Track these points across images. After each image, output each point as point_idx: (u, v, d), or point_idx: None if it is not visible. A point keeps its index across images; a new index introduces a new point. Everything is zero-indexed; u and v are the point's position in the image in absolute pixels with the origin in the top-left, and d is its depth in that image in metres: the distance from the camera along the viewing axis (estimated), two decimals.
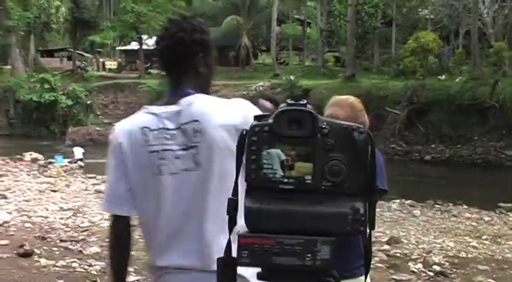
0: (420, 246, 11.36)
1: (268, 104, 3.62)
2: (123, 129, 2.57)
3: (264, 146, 1.17)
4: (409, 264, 9.82)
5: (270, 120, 1.19)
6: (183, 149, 2.47)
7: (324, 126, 1.17)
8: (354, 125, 1.21)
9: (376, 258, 10.05)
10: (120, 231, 2.61)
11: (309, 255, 1.14)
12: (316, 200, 1.16)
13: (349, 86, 31.53)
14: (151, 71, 41.55)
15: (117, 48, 60.28)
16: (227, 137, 2.38)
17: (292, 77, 35.61)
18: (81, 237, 10.95)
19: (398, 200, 17.66)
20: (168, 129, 2.50)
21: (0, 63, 49.99)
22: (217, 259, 1.26)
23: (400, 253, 10.58)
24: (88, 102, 40.67)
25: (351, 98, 3.79)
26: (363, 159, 1.18)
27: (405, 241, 11.72)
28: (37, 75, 41.30)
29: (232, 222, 1.26)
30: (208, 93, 2.65)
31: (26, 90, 39.58)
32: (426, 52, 32.38)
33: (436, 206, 17.20)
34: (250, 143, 1.20)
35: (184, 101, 2.49)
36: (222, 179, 2.36)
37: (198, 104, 2.48)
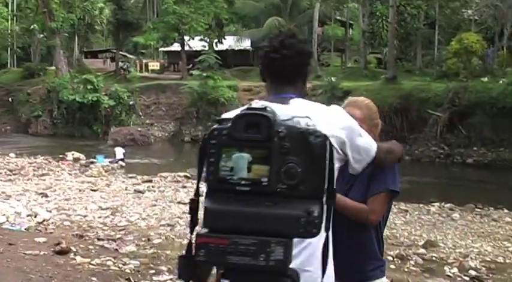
0: (457, 251, 11.25)
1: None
2: (228, 116, 2.68)
3: (222, 149, 1.18)
4: (445, 268, 9.75)
5: (229, 124, 1.20)
6: None
7: (280, 130, 1.17)
8: (311, 129, 1.21)
9: (412, 262, 9.99)
10: None
11: (262, 255, 1.15)
12: (271, 202, 1.17)
13: (390, 88, 31.33)
14: (193, 72, 41.71)
15: (159, 49, 60.73)
16: (333, 143, 2.49)
17: (333, 79, 35.47)
18: (118, 236, 11.11)
19: (437, 203, 17.48)
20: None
21: (45, 64, 50.78)
22: (178, 257, 1.27)
23: (436, 257, 10.50)
24: (130, 102, 41.03)
25: (367, 100, 3.80)
26: (319, 163, 1.18)
27: (442, 245, 11.62)
28: (80, 76, 41.89)
29: (193, 222, 1.28)
30: None
31: (70, 91, 40.12)
32: (469, 54, 32.00)
33: (477, 209, 16.94)
34: (209, 146, 1.21)
35: (294, 101, 2.61)
36: None
37: (307, 104, 2.61)
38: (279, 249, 1.14)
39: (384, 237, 3.86)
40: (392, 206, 12.71)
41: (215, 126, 1.24)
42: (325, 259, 1.29)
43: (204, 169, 1.27)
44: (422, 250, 10.95)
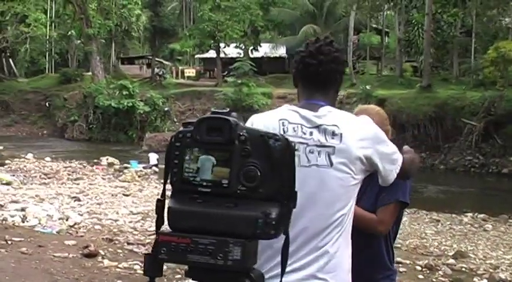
0: (487, 262, 11.10)
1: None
2: (258, 118, 2.77)
3: (186, 151, 1.22)
4: (474, 279, 9.64)
5: (192, 127, 1.23)
6: (318, 146, 2.58)
7: (242, 133, 1.20)
8: (270, 133, 1.23)
9: (440, 272, 9.90)
10: None
11: (220, 255, 1.18)
12: (232, 203, 1.19)
13: (425, 97, 31.09)
14: (228, 79, 41.89)
15: (195, 56, 61.09)
16: (360, 154, 2.60)
17: (367, 87, 35.32)
18: (147, 241, 11.18)
19: (470, 214, 17.27)
20: (306, 126, 2.61)
21: (82, 70, 51.43)
22: (144, 255, 1.31)
23: (465, 268, 10.38)
24: (165, 109, 41.33)
25: (377, 107, 3.82)
26: (279, 166, 1.20)
27: (472, 256, 11.48)
28: (116, 82, 42.33)
29: (159, 221, 1.31)
30: None
31: (105, 96, 40.56)
32: (507, 62, 31.55)
33: (510, 220, 16.70)
34: (174, 149, 1.25)
35: (323, 109, 2.62)
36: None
37: (337, 113, 2.62)
38: (236, 250, 1.17)
39: (393, 246, 3.87)
40: (424, 216, 12.59)
41: (180, 129, 1.28)
42: (284, 261, 1.30)
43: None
44: (451, 260, 10.84)
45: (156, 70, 51.60)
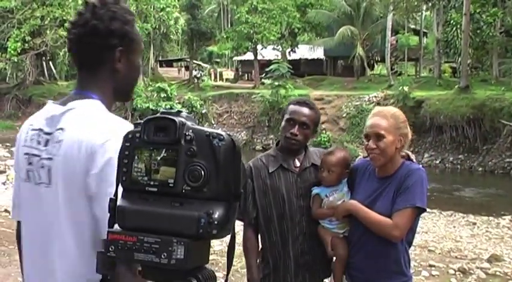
0: None
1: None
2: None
3: (135, 151, 1.23)
4: None
5: (140, 127, 1.25)
6: (48, 159, 2.10)
7: (188, 133, 1.21)
8: (215, 132, 1.24)
9: (474, 276, 9.77)
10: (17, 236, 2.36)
11: (164, 254, 1.19)
12: (178, 202, 1.20)
13: (462, 98, 30.70)
14: (265, 81, 41.94)
15: (233, 58, 61.34)
16: (80, 156, 1.99)
17: (405, 88, 35.03)
18: None
19: (509, 217, 17.00)
20: (45, 132, 2.15)
21: None
22: (97, 252, 1.33)
23: (500, 272, 10.20)
24: (203, 111, 41.53)
25: (394, 109, 3.75)
26: (223, 166, 1.20)
27: (508, 260, 11.28)
28: (154, 85, 42.70)
29: (111, 221, 1.33)
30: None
31: (144, 99, 40.94)
32: None
33: None
34: (123, 148, 1.26)
35: (71, 104, 2.13)
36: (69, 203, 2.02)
37: (75, 111, 2.10)
38: (180, 249, 1.18)
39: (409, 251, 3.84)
40: (461, 219, 12.42)
41: (131, 129, 1.30)
42: (230, 262, 1.30)
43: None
44: (486, 264, 10.68)
45: (194, 73, 51.91)
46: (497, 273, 10.13)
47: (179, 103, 41.14)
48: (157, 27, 49.83)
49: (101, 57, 2.18)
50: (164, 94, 40.90)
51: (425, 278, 9.44)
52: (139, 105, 40.60)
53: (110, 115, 2.13)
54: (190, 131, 1.22)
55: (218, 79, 57.41)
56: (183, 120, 1.23)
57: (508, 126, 28.77)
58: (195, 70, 53.47)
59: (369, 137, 3.61)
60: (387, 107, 3.88)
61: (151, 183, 1.22)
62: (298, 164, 3.99)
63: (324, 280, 4.12)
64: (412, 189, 3.54)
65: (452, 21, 38.50)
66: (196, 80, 49.62)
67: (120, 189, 1.30)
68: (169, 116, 1.23)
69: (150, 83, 44.18)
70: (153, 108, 40.05)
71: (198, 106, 41.17)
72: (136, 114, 41.53)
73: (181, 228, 1.19)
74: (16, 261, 7.91)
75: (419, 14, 46.90)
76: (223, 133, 1.24)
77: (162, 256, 1.19)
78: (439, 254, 11.49)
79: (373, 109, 3.84)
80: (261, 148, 38.09)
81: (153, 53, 55.52)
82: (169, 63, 65.26)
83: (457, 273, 9.91)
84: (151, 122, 1.24)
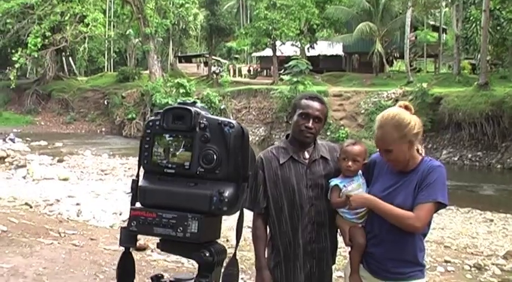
0: None
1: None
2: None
3: (155, 137, 1.34)
4: None
5: (159, 116, 1.36)
6: None
7: (202, 121, 1.32)
8: (226, 120, 1.34)
9: (489, 272, 9.81)
10: None
11: (180, 228, 1.30)
12: (193, 183, 1.31)
13: (481, 95, 30.53)
14: (284, 77, 41.94)
15: (252, 54, 61.38)
16: None
17: (424, 85, 34.92)
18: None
19: None
20: None
21: (140, 68, 52.26)
22: (120, 228, 1.43)
23: None
24: (221, 107, 41.62)
25: (396, 117, 3.72)
26: (233, 151, 1.30)
27: None
28: (173, 80, 42.91)
29: (134, 198, 1.43)
30: None
31: (162, 94, 41.14)
32: None
33: None
34: (145, 135, 1.37)
35: None
36: None
37: None
38: (194, 224, 1.29)
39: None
40: (478, 215, 12.48)
41: (151, 117, 1.40)
42: (239, 234, 1.41)
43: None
44: (501, 260, 10.71)
45: (213, 68, 52.06)
46: None
47: (198, 99, 41.21)
48: (176, 23, 50.06)
49: None
50: (183, 90, 41.06)
51: (440, 274, 9.50)
52: (158, 101, 40.78)
53: None
54: (204, 119, 1.33)
55: (237, 75, 57.51)
56: (198, 109, 1.34)
57: None
58: (214, 66, 53.59)
59: (379, 149, 3.73)
60: (388, 113, 3.85)
61: (170, 165, 1.35)
62: (307, 156, 4.10)
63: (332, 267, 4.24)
64: (434, 185, 3.64)
65: (471, 18, 38.31)
66: (215, 76, 49.74)
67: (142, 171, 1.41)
68: (186, 106, 1.34)
69: (169, 79, 44.40)
70: (172, 103, 40.25)
71: (217, 102, 41.26)
72: (155, 110, 41.72)
73: (195, 205, 1.30)
74: (37, 252, 8.09)
75: (439, 10, 46.68)
76: (233, 121, 1.35)
77: (178, 230, 1.31)
78: (455, 250, 11.53)
79: (378, 116, 3.87)
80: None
81: (172, 49, 55.77)
82: (188, 59, 65.43)
83: (472, 269, 9.96)
84: (170, 112, 1.36)
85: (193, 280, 1.32)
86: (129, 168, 23.49)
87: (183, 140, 1.33)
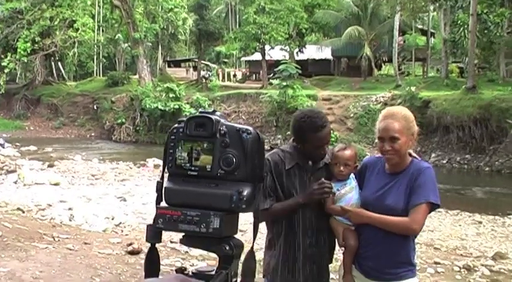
0: None
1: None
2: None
3: (179, 143, 1.48)
4: None
5: (183, 124, 1.50)
6: None
7: (222, 128, 1.46)
8: (244, 127, 1.48)
9: (478, 273, 9.94)
10: None
11: (204, 224, 1.43)
12: (214, 184, 1.45)
13: (469, 98, 30.80)
14: (273, 81, 42.09)
15: (241, 58, 61.49)
16: None
17: (413, 88, 35.16)
18: (185, 250, 11.47)
19: None
20: None
21: (129, 73, 52.25)
22: (147, 225, 1.57)
23: (504, 269, 10.38)
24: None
25: (404, 110, 3.96)
26: (250, 154, 1.45)
27: None
28: (163, 85, 42.92)
29: (159, 199, 1.57)
30: None
31: (152, 99, 41.15)
32: None
33: None
34: (170, 141, 1.52)
35: None
36: None
37: None
38: (216, 220, 1.42)
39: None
40: (467, 218, 12.61)
41: (175, 125, 1.54)
42: (256, 230, 1.54)
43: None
44: (490, 262, 10.85)
45: (202, 73, 52.13)
46: (502, 270, 10.31)
47: (187, 103, 41.35)
48: (165, 27, 50.14)
49: None
50: (173, 94, 41.10)
51: (430, 275, 9.63)
52: (147, 105, 40.81)
53: None
54: (224, 126, 1.47)
55: (226, 79, 57.61)
56: (218, 118, 1.48)
57: None
58: (203, 70, 53.67)
59: (383, 139, 3.84)
60: (396, 107, 4.09)
61: (193, 168, 1.48)
62: (311, 163, 4.22)
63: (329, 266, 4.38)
64: (425, 187, 3.79)
65: (459, 22, 38.62)
66: (204, 80, 49.82)
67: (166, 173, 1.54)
68: (207, 115, 1.48)
69: (159, 83, 44.41)
70: (162, 108, 40.29)
71: (206, 106, 41.29)
72: (145, 115, 41.78)
73: (217, 203, 1.44)
74: (33, 256, 8.16)
75: (427, 14, 46.97)
76: (250, 128, 1.49)
77: (202, 226, 1.44)
78: (445, 251, 11.67)
79: (384, 110, 4.04)
80: (268, 148, 38.03)
81: (161, 53, 55.82)
82: (177, 64, 65.45)
83: (462, 270, 10.09)
84: (193, 120, 1.50)
85: (213, 271, 1.46)
86: (119, 173, 23.53)
87: (204, 145, 1.47)
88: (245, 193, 1.44)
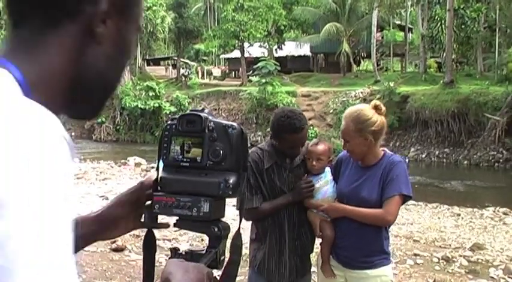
0: (504, 254, 11.27)
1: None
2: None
3: (172, 138, 1.68)
4: (490, 270, 9.82)
5: (175, 121, 1.71)
6: None
7: (210, 124, 1.65)
8: (229, 123, 1.67)
9: (457, 264, 10.12)
10: None
11: (195, 209, 1.62)
12: (204, 173, 1.64)
13: (447, 93, 31.18)
14: (252, 78, 42.28)
15: (221, 56, 61.57)
16: None
17: (391, 84, 35.48)
18: (173, 237, 11.60)
19: (492, 208, 17.38)
20: None
21: None
22: (145, 211, 1.75)
23: (482, 259, 10.57)
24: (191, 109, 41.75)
25: (357, 111, 4.10)
26: (235, 147, 1.64)
27: (489, 248, 11.64)
28: (142, 83, 42.98)
29: (155, 186, 1.74)
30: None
31: (132, 98, 41.22)
32: None
33: None
34: (164, 136, 1.71)
35: None
36: None
37: None
38: (206, 205, 1.62)
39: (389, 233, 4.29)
40: (446, 210, 12.78)
41: (168, 122, 1.74)
42: (241, 213, 1.73)
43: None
44: (468, 252, 11.05)
45: (182, 71, 52.16)
46: (479, 260, 10.49)
47: (167, 101, 41.42)
48: (144, 25, 50.04)
49: (68, 4, 1.11)
50: (152, 93, 41.19)
51: (410, 266, 9.81)
52: (127, 104, 40.82)
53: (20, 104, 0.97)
54: (212, 123, 1.66)
55: (206, 77, 57.69)
56: (206, 115, 1.67)
57: (492, 120, 29.26)
58: (183, 68, 53.71)
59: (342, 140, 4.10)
60: (350, 108, 4.26)
61: (185, 160, 1.67)
62: (289, 161, 4.41)
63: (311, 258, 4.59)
64: (397, 180, 3.99)
65: (436, 17, 39.00)
66: (183, 78, 49.88)
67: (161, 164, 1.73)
68: (197, 113, 1.68)
69: (138, 82, 44.44)
70: (142, 107, 40.33)
71: (186, 104, 41.46)
72: (125, 113, 41.77)
73: (206, 190, 1.62)
74: None
75: (404, 10, 47.33)
76: (235, 124, 1.67)
77: (193, 210, 1.62)
78: (424, 243, 11.86)
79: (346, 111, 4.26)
80: (249, 145, 38.26)
81: (140, 52, 55.71)
82: (156, 62, 65.45)
83: (440, 261, 10.27)
84: (184, 117, 1.70)
85: (204, 250, 1.65)
86: (101, 172, 23.53)
87: (195, 139, 1.67)
88: (231, 181, 1.62)
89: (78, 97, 1.15)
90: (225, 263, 1.68)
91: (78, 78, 1.13)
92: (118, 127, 42.61)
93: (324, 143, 4.40)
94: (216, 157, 1.65)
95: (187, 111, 1.71)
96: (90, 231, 1.50)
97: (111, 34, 1.16)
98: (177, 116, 1.70)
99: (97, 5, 1.12)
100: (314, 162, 4.28)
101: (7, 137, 0.89)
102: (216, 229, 1.65)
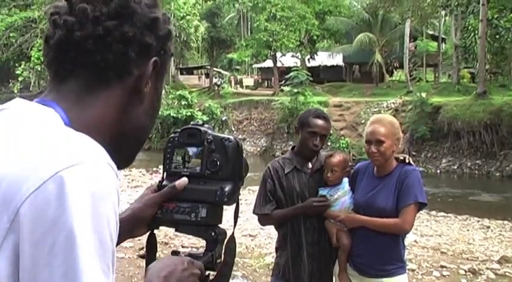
0: None
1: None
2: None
3: (174, 149, 1.82)
4: None
5: (178, 134, 1.84)
6: None
7: (209, 137, 1.79)
8: (226, 136, 1.80)
9: (483, 276, 10.10)
10: None
11: (193, 214, 1.76)
12: (203, 182, 1.78)
13: (480, 103, 30.92)
14: (284, 88, 42.37)
15: (253, 65, 61.81)
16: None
17: (423, 94, 35.29)
18: (200, 245, 11.71)
19: None
20: None
21: None
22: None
23: (509, 272, 10.51)
24: (223, 118, 41.96)
25: (390, 117, 4.30)
26: (232, 158, 1.78)
27: None
28: (175, 92, 43.31)
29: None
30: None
31: (165, 106, 41.47)
32: None
33: None
34: (167, 148, 1.85)
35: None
36: None
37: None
38: (204, 210, 1.76)
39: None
40: (476, 223, 12.78)
41: (172, 135, 1.88)
42: (235, 221, 1.85)
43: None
44: (496, 265, 11.01)
45: (214, 80, 52.46)
46: (507, 273, 10.45)
47: (200, 110, 41.68)
48: (177, 35, 50.50)
49: (119, 67, 1.29)
50: (185, 101, 41.50)
51: (436, 278, 9.82)
52: (160, 113, 41.04)
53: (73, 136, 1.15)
54: (210, 136, 1.81)
55: (239, 86, 57.95)
56: (205, 129, 1.82)
57: None
58: (215, 77, 54.03)
59: (370, 142, 4.15)
60: (383, 114, 4.43)
61: (185, 169, 1.82)
62: (310, 166, 4.56)
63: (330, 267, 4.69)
64: (412, 188, 4.09)
65: (470, 27, 38.69)
66: (216, 87, 50.18)
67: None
68: (197, 127, 1.82)
69: (171, 91, 44.80)
70: (174, 115, 40.64)
71: (218, 113, 41.66)
72: (158, 122, 42.11)
73: (204, 197, 1.77)
74: None
75: (438, 20, 47.10)
76: (231, 137, 1.81)
77: (192, 215, 1.77)
78: (451, 255, 11.83)
79: (372, 117, 4.39)
80: (280, 154, 38.39)
81: (174, 61, 56.17)
82: (189, 71, 65.92)
83: (467, 273, 10.26)
84: (185, 131, 1.84)
85: (202, 254, 1.80)
86: (132, 180, 23.85)
87: (195, 151, 1.82)
88: (227, 189, 1.77)
89: (117, 148, 1.29)
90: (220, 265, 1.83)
91: (120, 132, 1.33)
92: (150, 135, 42.85)
93: (338, 155, 4.52)
94: (213, 167, 1.79)
95: (189, 125, 1.86)
96: (123, 231, 1.47)
97: (150, 93, 1.37)
98: (179, 130, 1.86)
99: (145, 69, 1.32)
100: (329, 174, 4.41)
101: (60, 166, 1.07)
102: (212, 233, 1.79)
